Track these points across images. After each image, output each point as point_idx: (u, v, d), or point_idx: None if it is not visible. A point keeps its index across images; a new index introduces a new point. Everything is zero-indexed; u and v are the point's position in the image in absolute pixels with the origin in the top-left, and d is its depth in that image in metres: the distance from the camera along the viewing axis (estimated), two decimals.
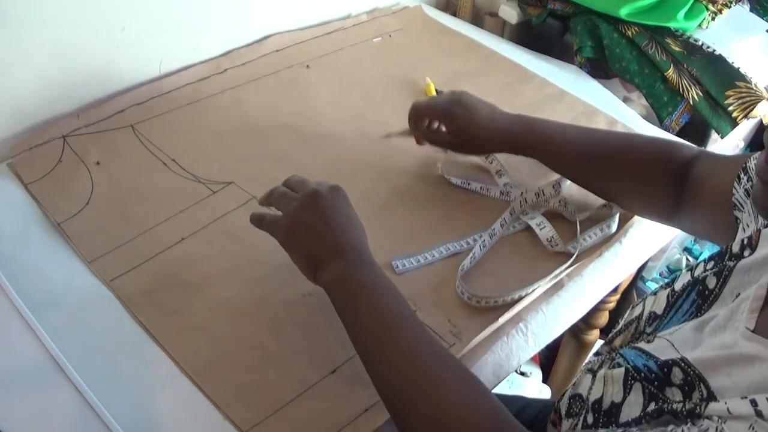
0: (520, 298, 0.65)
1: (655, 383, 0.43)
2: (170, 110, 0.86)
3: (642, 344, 0.47)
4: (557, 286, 0.68)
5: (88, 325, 0.60)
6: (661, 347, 0.45)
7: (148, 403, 0.55)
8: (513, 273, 0.68)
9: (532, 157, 0.71)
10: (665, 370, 0.42)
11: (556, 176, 0.74)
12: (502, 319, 0.63)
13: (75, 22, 0.78)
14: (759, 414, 0.34)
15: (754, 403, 0.34)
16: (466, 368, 0.52)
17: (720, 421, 0.35)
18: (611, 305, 0.97)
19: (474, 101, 0.73)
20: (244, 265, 0.67)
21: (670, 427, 0.38)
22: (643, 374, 0.44)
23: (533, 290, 0.66)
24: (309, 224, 0.57)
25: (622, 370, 0.45)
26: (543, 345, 0.66)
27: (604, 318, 1.01)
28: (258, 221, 0.61)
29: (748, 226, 0.52)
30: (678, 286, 0.49)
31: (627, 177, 0.67)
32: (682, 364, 0.41)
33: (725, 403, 0.36)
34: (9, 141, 0.77)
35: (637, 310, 0.52)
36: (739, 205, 0.54)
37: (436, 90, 0.93)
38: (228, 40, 0.96)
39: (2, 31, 0.73)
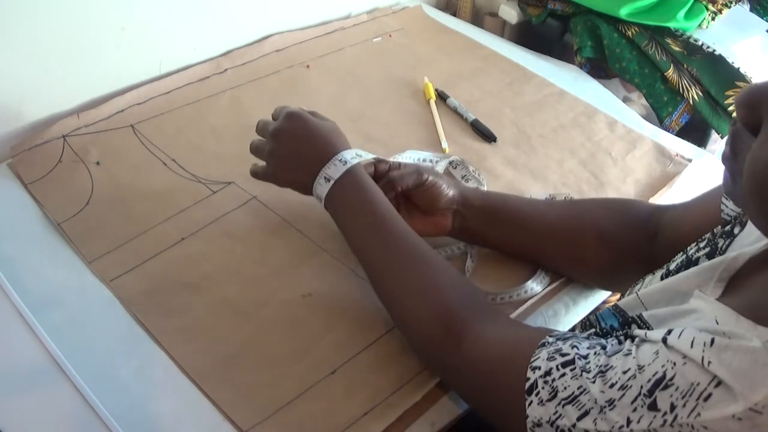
0: (521, 299, 0.65)
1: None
2: (170, 110, 0.86)
3: (620, 301, 0.50)
4: (557, 287, 0.68)
5: (88, 325, 0.60)
6: (633, 304, 0.48)
7: (148, 403, 0.55)
8: (512, 274, 0.68)
9: (496, 238, 0.67)
10: (625, 327, 0.46)
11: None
12: None
13: (75, 22, 0.78)
14: (664, 341, 0.36)
15: (667, 332, 0.37)
16: (446, 262, 0.58)
17: (638, 340, 0.39)
18: (611, 305, 0.97)
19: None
20: (244, 265, 0.67)
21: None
22: (605, 331, 0.48)
23: (530, 290, 0.66)
24: (288, 155, 0.63)
25: (592, 330, 0.50)
26: None
27: None
28: (253, 174, 0.69)
29: None
30: (672, 265, 0.50)
31: (598, 251, 0.63)
32: (639, 320, 0.45)
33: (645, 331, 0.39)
34: (9, 141, 0.77)
35: (636, 287, 0.54)
36: (730, 220, 0.52)
37: (435, 90, 0.93)
38: (228, 40, 0.96)
39: (2, 31, 0.73)
